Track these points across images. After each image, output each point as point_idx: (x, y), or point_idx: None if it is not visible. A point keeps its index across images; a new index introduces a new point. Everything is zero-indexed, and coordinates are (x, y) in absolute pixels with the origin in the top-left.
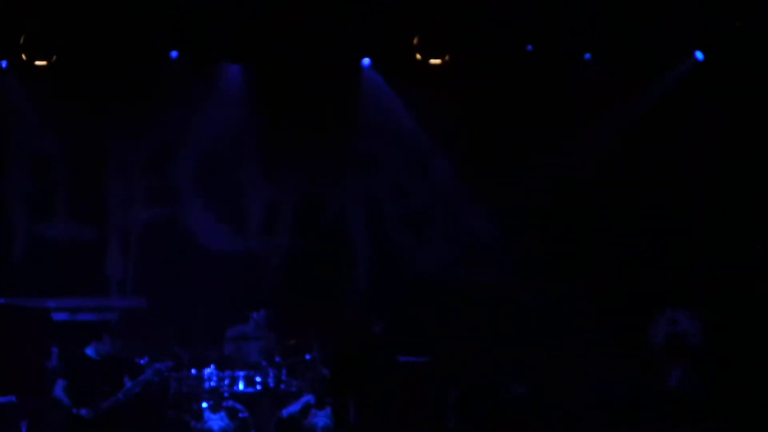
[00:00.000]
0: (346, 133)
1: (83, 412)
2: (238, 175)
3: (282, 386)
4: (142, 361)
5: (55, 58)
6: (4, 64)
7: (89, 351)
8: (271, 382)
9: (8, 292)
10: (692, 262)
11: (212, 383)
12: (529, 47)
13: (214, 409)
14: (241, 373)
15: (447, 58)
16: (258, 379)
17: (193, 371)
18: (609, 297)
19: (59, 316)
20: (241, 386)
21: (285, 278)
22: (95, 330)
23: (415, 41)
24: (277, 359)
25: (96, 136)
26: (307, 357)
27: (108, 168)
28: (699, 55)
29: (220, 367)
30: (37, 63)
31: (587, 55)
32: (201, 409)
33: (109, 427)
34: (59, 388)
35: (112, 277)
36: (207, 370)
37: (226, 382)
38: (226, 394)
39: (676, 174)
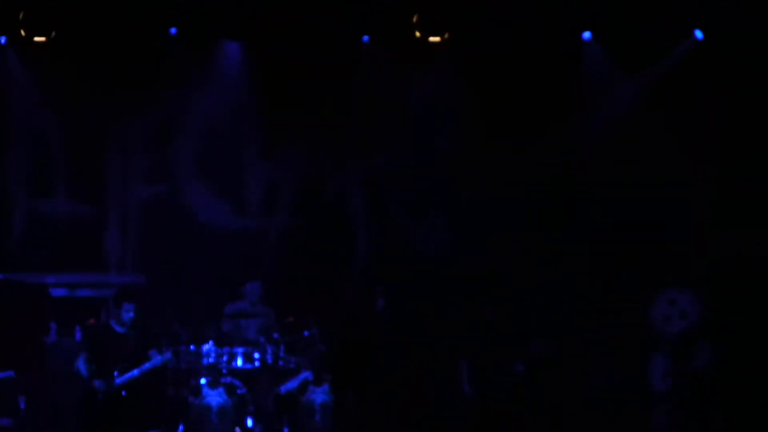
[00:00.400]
0: (345, 112)
1: (96, 384)
2: (237, 153)
3: (280, 363)
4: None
5: (54, 34)
6: (3, 40)
7: (113, 323)
8: (269, 358)
9: (7, 267)
10: (692, 241)
11: (210, 359)
12: (529, 25)
13: (212, 385)
14: (240, 350)
15: (446, 36)
16: (256, 355)
17: (192, 347)
18: (609, 277)
19: (58, 292)
20: (239, 363)
21: (284, 256)
22: (105, 302)
23: (415, 19)
24: (276, 336)
25: (95, 113)
26: (306, 334)
27: (107, 145)
28: (698, 34)
29: (218, 344)
30: (36, 39)
31: (587, 34)
32: (199, 385)
33: (116, 402)
34: (80, 360)
35: (111, 254)
36: (205, 347)
37: (225, 358)
38: (224, 371)
39: (678, 154)
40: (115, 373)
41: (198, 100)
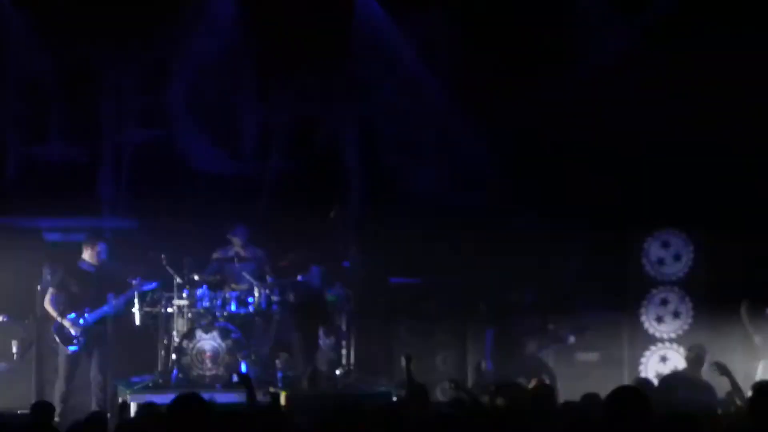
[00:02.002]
0: (339, 55)
1: (69, 320)
2: (230, 96)
3: (274, 307)
4: (133, 281)
5: None
6: None
7: (82, 264)
8: (263, 303)
9: (0, 212)
10: (686, 182)
11: (204, 304)
12: None
13: (206, 329)
14: (233, 294)
15: None
16: (250, 300)
17: (185, 292)
18: (603, 218)
19: (51, 236)
20: (233, 307)
21: (278, 200)
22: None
23: None
24: (270, 280)
25: (88, 57)
26: (300, 278)
27: (101, 89)
28: None
29: (212, 288)
30: None
31: None
32: (193, 330)
33: (96, 341)
34: (50, 300)
35: (104, 198)
36: (199, 291)
37: (218, 303)
38: (218, 315)
39: (674, 93)
40: (86, 310)
41: (192, 43)
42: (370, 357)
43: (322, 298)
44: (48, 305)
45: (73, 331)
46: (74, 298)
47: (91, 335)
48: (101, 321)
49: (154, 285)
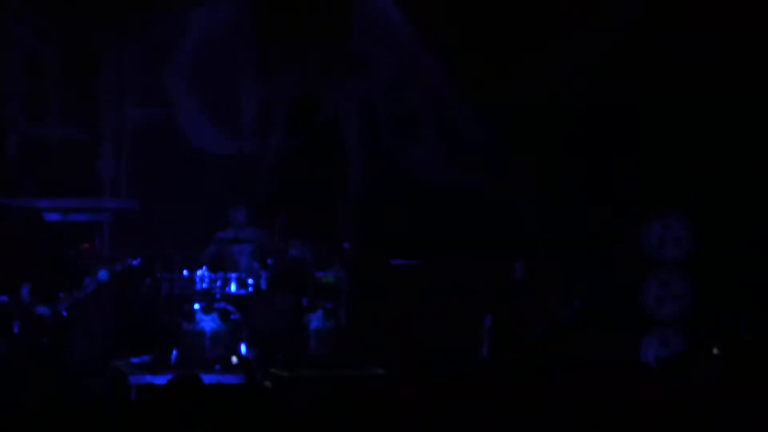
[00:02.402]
0: (339, 33)
1: (41, 310)
2: (231, 74)
3: (272, 287)
4: (134, 263)
5: None
6: None
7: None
8: (263, 284)
9: (0, 192)
10: (689, 164)
11: (204, 285)
12: None
13: (206, 310)
14: (233, 275)
15: None
16: (250, 281)
17: (185, 273)
18: (602, 199)
19: (51, 217)
20: (233, 288)
21: (278, 180)
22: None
23: None
24: (270, 261)
25: (89, 36)
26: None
27: (102, 67)
28: None
29: (212, 269)
30: None
31: None
32: (193, 311)
33: (81, 326)
34: (24, 291)
35: (105, 178)
36: (199, 272)
37: (218, 284)
38: (218, 296)
39: (673, 72)
40: (61, 296)
41: (193, 21)
42: (369, 340)
43: (304, 268)
44: (22, 296)
45: (49, 321)
46: (50, 288)
47: (71, 322)
48: (78, 304)
49: (127, 263)
